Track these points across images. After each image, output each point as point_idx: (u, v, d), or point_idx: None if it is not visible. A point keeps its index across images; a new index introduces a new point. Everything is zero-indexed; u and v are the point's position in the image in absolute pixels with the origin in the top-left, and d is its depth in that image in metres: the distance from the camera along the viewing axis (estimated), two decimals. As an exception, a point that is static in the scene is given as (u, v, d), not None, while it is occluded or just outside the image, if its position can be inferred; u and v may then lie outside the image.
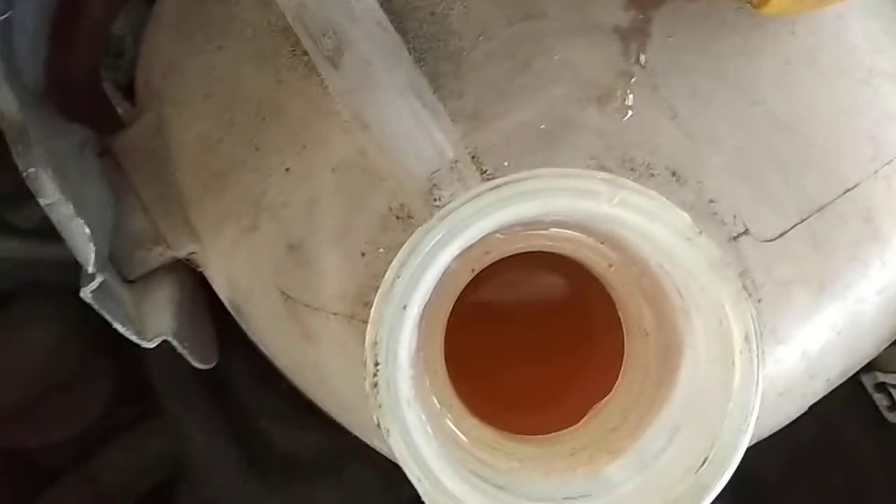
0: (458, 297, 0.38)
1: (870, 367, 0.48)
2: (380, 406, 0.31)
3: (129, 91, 0.48)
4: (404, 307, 0.31)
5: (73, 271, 0.40)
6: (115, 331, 0.60)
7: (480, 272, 0.38)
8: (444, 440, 0.33)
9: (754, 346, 0.30)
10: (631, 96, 0.35)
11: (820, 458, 0.60)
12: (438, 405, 0.36)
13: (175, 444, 0.61)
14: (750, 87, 0.36)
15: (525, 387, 0.40)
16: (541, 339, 0.41)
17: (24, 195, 0.47)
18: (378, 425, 0.31)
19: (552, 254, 0.39)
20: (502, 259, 0.38)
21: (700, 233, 0.30)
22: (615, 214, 0.31)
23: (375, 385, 0.31)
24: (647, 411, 0.35)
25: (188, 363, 0.58)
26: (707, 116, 0.35)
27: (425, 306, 0.34)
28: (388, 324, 0.31)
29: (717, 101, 0.35)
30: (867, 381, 0.49)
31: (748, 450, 0.46)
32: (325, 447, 0.61)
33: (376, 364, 0.30)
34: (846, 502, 0.59)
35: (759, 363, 0.30)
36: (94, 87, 0.50)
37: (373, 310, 0.31)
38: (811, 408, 0.46)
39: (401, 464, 0.31)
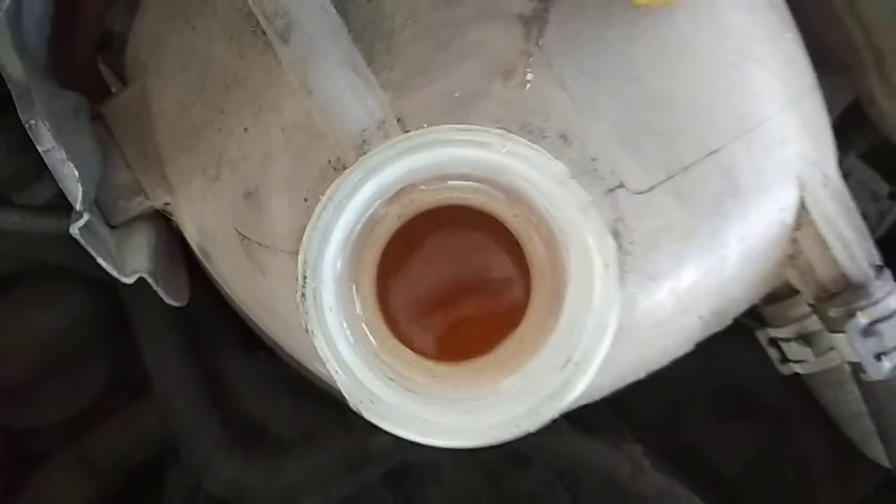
0: (394, 244, 0.45)
1: (763, 325, 0.55)
2: (307, 312, 0.37)
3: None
4: (329, 233, 0.38)
5: (73, 253, 0.44)
6: (112, 316, 0.64)
7: (413, 223, 0.45)
8: (366, 351, 0.40)
9: (612, 271, 0.37)
10: (529, 73, 0.42)
11: (775, 457, 0.68)
12: (365, 324, 0.42)
13: (163, 421, 0.64)
14: (630, 68, 0.42)
15: (447, 320, 0.46)
16: (465, 282, 0.47)
17: (27, 179, 0.52)
18: (307, 329, 0.38)
19: (471, 208, 0.45)
20: (430, 211, 0.45)
21: (571, 177, 0.37)
22: (505, 163, 0.38)
23: (304, 295, 0.37)
24: (539, 339, 0.41)
25: (179, 344, 0.63)
26: (593, 90, 0.41)
27: (354, 242, 0.41)
28: (316, 246, 0.37)
29: (602, 77, 0.42)
30: (761, 336, 0.55)
31: (711, 443, 0.64)
32: (298, 421, 0.65)
33: (305, 278, 0.37)
34: (795, 493, 0.68)
35: (614, 284, 0.37)
36: (91, 68, 0.58)
37: (304, 236, 0.38)
38: (768, 408, 0.59)
39: (324, 360, 0.38)
